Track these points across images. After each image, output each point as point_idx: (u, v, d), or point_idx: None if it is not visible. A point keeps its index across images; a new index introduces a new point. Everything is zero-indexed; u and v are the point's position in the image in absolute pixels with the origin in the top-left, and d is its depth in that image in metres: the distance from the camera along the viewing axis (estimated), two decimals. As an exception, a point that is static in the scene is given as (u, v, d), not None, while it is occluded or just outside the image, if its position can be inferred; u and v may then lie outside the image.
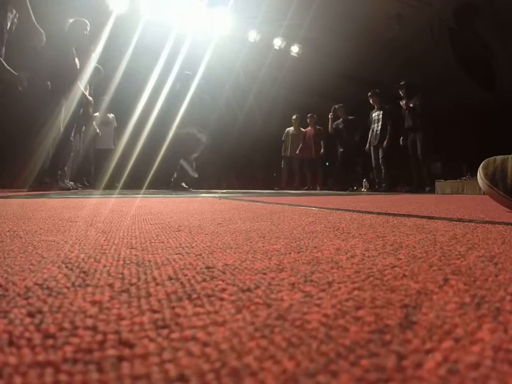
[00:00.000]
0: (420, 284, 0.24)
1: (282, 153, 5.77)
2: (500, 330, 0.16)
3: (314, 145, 5.48)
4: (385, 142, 4.43)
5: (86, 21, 2.92)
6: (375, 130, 4.57)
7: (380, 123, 4.51)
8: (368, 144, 4.68)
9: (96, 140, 4.44)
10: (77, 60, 2.82)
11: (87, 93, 3.04)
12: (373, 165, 4.66)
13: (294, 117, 5.69)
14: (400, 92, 4.25)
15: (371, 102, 4.64)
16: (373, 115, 4.64)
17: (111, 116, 4.68)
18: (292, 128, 5.74)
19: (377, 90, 4.60)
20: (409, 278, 0.26)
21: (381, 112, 4.55)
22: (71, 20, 2.87)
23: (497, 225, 0.60)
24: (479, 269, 0.28)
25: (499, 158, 0.86)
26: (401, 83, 4.22)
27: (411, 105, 4.15)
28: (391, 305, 0.20)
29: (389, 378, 0.12)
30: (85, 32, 2.92)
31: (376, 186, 4.64)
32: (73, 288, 0.23)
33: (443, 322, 0.17)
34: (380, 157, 4.52)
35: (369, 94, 4.63)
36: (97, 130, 4.20)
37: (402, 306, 0.20)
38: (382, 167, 4.51)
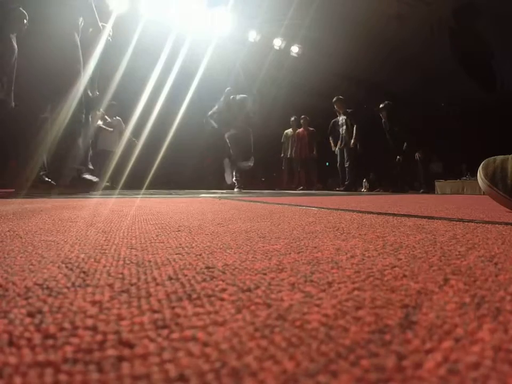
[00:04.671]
0: (420, 283, 0.24)
1: (282, 155, 5.82)
2: (499, 330, 0.16)
3: (307, 146, 5.52)
4: (352, 142, 4.73)
5: None
6: (341, 134, 4.90)
7: (344, 127, 4.84)
8: (337, 146, 5.02)
9: (98, 140, 4.45)
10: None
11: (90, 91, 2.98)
12: (338, 166, 5.00)
13: (292, 118, 5.77)
14: (381, 115, 4.40)
15: (335, 108, 4.96)
16: (338, 119, 4.98)
17: (116, 119, 4.69)
18: (290, 129, 5.78)
19: (341, 97, 4.91)
20: (409, 278, 0.26)
21: (345, 117, 4.87)
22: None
23: (497, 225, 0.60)
24: (479, 269, 0.28)
25: (499, 158, 0.86)
26: (381, 105, 4.39)
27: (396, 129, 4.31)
28: (391, 305, 0.20)
29: (389, 378, 0.12)
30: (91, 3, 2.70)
31: (341, 186, 4.91)
32: (73, 288, 0.23)
33: (443, 322, 0.17)
34: (346, 158, 4.83)
35: (334, 100, 4.92)
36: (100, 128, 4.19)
37: (402, 306, 0.20)
38: (348, 168, 4.83)
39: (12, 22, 2.34)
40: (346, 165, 4.81)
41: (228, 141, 4.38)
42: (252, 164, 4.24)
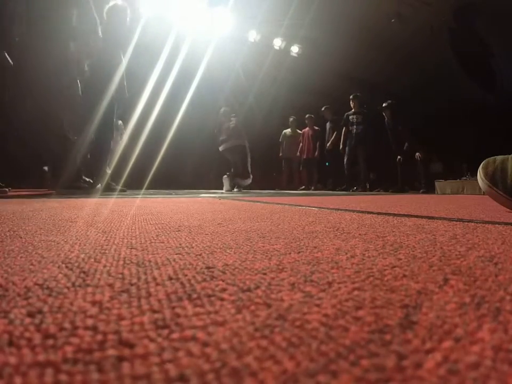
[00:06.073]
0: (420, 283, 0.24)
1: (280, 155, 5.81)
2: (499, 330, 0.16)
3: (312, 146, 5.50)
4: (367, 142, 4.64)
5: (126, 5, 2.67)
6: (354, 132, 4.72)
7: (361, 126, 4.67)
8: (342, 145, 4.83)
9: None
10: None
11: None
12: (345, 165, 4.80)
13: (291, 118, 5.74)
14: (384, 114, 4.35)
15: (351, 104, 4.79)
16: (350, 117, 4.80)
17: (118, 122, 4.67)
18: (288, 129, 5.76)
19: (359, 94, 4.76)
20: (409, 278, 0.26)
21: (360, 116, 4.72)
22: (108, 5, 2.63)
23: (497, 225, 0.60)
24: (479, 269, 0.28)
25: (499, 158, 0.86)
26: (385, 104, 4.32)
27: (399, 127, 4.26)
28: (391, 305, 0.20)
29: (389, 378, 0.12)
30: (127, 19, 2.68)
31: (344, 186, 4.79)
32: (73, 288, 0.23)
33: (443, 322, 0.17)
34: (363, 157, 4.68)
35: (352, 96, 4.76)
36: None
37: (402, 306, 0.20)
38: (364, 168, 4.70)
39: (14, 24, 2.37)
40: (362, 164, 4.70)
41: (225, 154, 4.42)
42: (250, 181, 4.28)
